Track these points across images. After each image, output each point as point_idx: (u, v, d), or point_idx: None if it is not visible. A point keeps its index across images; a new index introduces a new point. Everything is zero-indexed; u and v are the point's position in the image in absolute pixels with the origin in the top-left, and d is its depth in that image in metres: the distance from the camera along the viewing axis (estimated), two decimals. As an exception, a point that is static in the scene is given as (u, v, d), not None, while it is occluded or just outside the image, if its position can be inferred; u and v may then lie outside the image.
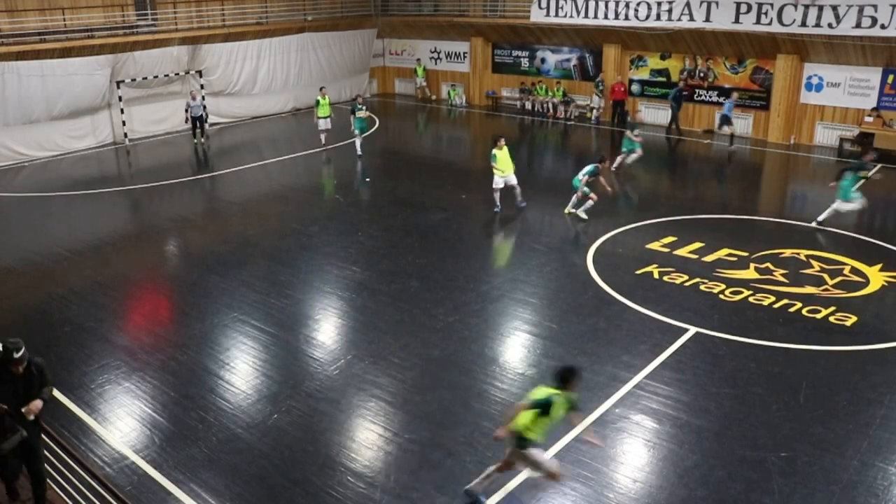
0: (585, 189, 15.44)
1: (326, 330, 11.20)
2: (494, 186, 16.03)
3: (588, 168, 15.61)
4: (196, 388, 9.42)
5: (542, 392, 7.00)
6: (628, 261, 13.31)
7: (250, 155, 22.15)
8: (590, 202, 15.48)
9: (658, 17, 23.41)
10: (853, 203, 14.78)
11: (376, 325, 11.09)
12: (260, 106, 27.37)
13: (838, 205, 14.86)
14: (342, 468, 7.82)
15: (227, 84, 25.97)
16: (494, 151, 15.89)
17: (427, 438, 8.32)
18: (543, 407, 6.86)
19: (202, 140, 23.29)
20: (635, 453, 8.08)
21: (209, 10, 25.81)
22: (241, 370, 9.85)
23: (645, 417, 8.61)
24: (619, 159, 19.38)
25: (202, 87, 24.84)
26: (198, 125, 23.00)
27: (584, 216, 15.47)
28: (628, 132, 19.32)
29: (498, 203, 16.08)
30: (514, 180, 16.10)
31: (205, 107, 23.63)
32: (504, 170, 15.94)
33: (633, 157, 19.21)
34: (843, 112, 21.90)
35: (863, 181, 15.58)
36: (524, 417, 6.96)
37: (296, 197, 18.05)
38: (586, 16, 24.86)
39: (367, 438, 8.39)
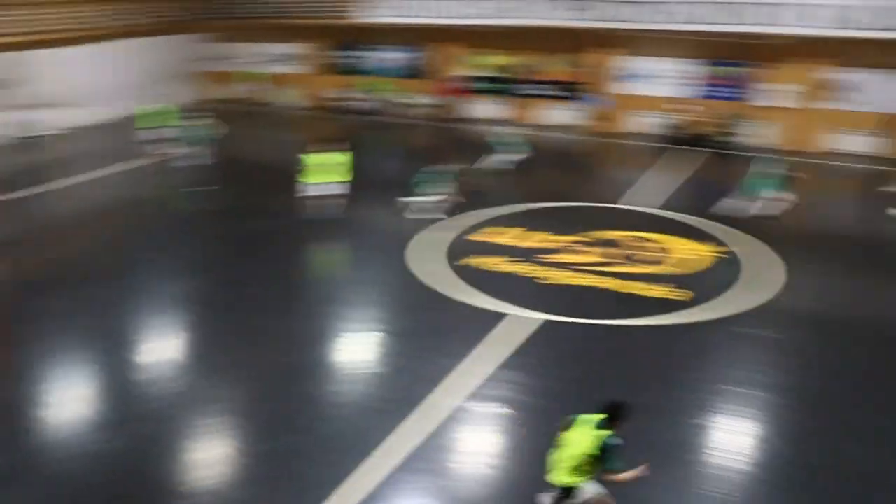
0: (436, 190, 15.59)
1: (160, 348, 10.57)
2: (306, 193, 15.28)
3: (438, 173, 15.73)
4: (10, 423, 8.54)
5: (587, 435, 6.43)
6: (460, 254, 13.65)
7: (67, 169, 20.05)
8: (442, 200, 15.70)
9: (492, 15, 24.26)
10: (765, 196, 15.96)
11: (212, 338, 10.68)
12: (81, 115, 24.84)
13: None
14: (190, 490, 7.47)
15: (44, 94, 23.44)
16: (304, 157, 15.18)
17: (281, 447, 8.13)
18: (608, 453, 6.32)
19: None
20: (490, 441, 8.33)
21: (16, 15, 23.07)
22: (68, 398, 9.08)
23: (496, 405, 8.93)
24: (487, 160, 19.75)
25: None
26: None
27: (432, 214, 15.50)
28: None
29: (318, 208, 15.32)
30: (333, 189, 15.19)
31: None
32: (314, 177, 15.04)
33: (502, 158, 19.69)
34: (664, 101, 24.29)
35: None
36: (579, 467, 6.47)
37: (123, 211, 16.71)
38: (420, 14, 25.29)
39: (217, 455, 8.08)
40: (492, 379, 9.43)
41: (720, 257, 13.65)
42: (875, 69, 21.80)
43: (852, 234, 15.54)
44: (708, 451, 8.27)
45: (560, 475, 6.58)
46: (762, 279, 12.67)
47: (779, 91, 22.91)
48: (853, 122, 22.35)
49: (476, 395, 9.07)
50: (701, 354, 10.31)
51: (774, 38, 21.62)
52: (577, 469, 6.49)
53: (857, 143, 22.45)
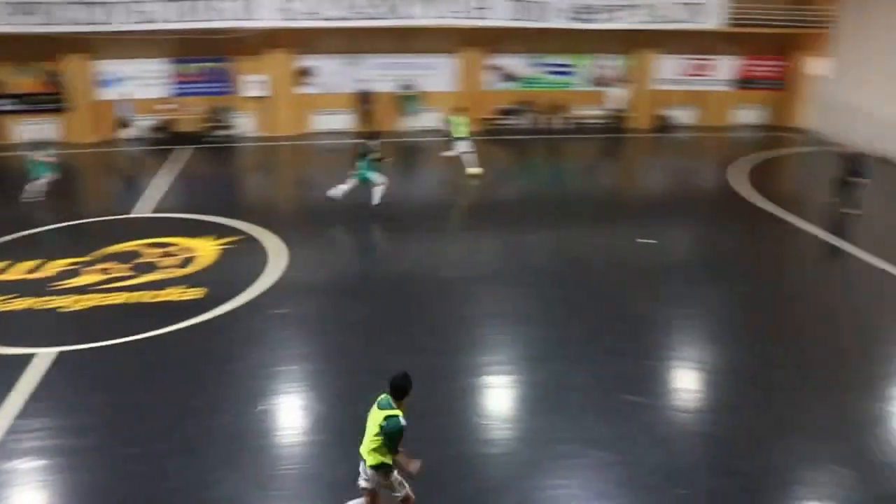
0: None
1: None
2: None
3: None
4: None
5: (379, 413, 6.41)
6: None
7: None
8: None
9: None
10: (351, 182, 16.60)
11: None
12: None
13: (351, 184, 16.62)
14: None
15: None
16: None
17: None
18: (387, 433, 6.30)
19: None
20: (32, 500, 7.83)
21: None
22: None
23: (29, 460, 8.30)
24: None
25: None
26: None
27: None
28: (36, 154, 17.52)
29: None
30: None
31: None
32: None
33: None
34: (146, 103, 23.57)
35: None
36: (375, 445, 6.44)
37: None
38: None
39: None
40: (11, 432, 8.78)
41: (228, 248, 14.41)
42: (334, 55, 24.83)
43: (340, 210, 17.61)
44: (276, 433, 8.82)
45: (368, 456, 6.61)
46: (269, 262, 13.71)
47: (259, 81, 24.51)
48: (326, 103, 25.21)
49: (23, 452, 8.25)
50: (236, 343, 10.69)
51: (248, 31, 22.97)
52: (378, 450, 6.53)
53: (336, 121, 25.37)
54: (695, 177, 23.19)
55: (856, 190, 17.52)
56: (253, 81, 24.39)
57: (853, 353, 11.03)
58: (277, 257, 13.95)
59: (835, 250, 15.68)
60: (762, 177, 21.34)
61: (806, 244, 16.24)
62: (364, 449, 6.66)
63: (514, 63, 26.13)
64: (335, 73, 24.99)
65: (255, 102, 24.66)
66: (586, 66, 26.82)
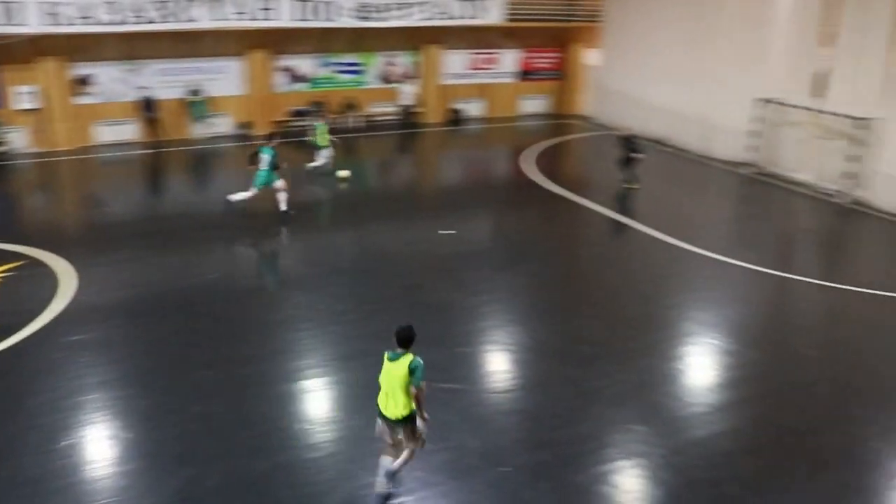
0: None
1: None
2: None
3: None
4: None
5: (399, 363, 7.31)
6: None
7: None
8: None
9: None
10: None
11: None
12: None
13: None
14: None
15: None
16: None
17: None
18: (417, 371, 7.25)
19: None
20: None
21: None
22: None
23: None
24: None
25: None
26: None
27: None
28: None
29: None
30: None
31: None
32: None
33: None
34: None
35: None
36: (403, 398, 7.31)
37: None
38: None
39: None
40: None
41: (9, 275, 13.29)
42: (113, 62, 23.39)
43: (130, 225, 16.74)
44: (83, 469, 8.22)
45: (392, 409, 7.37)
46: (58, 287, 12.82)
47: (30, 92, 22.58)
48: (108, 113, 23.71)
49: None
50: (27, 378, 9.91)
51: (12, 37, 21.07)
52: (403, 399, 7.34)
53: (120, 131, 23.92)
54: (489, 166, 24.25)
55: (634, 167, 19.21)
56: (23, 93, 22.44)
57: (643, 321, 12.10)
58: (67, 281, 13.02)
59: (620, 225, 17.06)
60: (550, 162, 22.70)
61: (594, 222, 17.51)
62: (388, 409, 7.42)
63: (304, 64, 25.93)
64: (115, 81, 23.53)
65: (27, 115, 22.70)
66: (376, 64, 27.15)
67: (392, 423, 7.49)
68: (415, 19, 25.49)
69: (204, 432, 8.75)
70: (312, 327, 11.51)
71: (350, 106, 26.46)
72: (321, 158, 20.32)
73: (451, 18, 26.15)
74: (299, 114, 25.91)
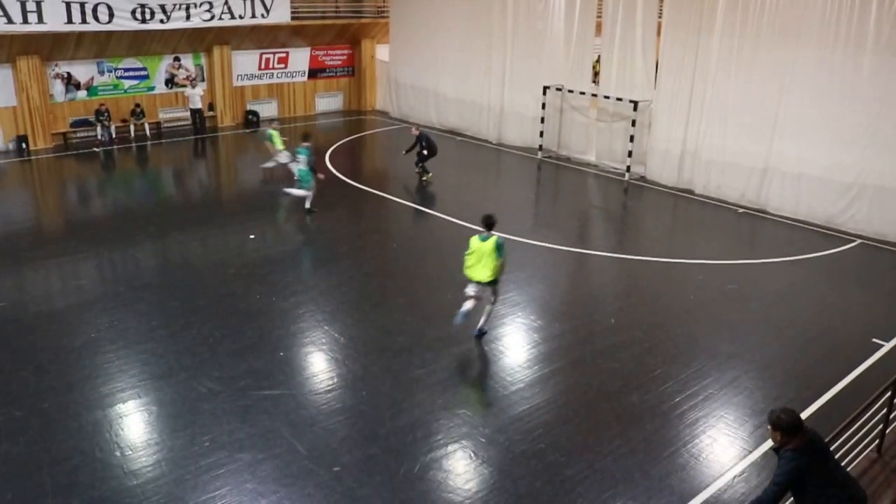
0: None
1: None
2: None
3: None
4: None
5: (488, 243, 10.47)
6: None
7: None
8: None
9: None
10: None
11: None
12: None
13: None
14: None
15: None
16: None
17: None
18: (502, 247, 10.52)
19: None
20: None
21: None
22: None
23: None
24: None
25: None
26: None
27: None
28: None
29: None
30: None
31: None
32: None
33: None
34: None
35: None
36: (492, 265, 10.46)
37: None
38: None
39: None
40: None
41: None
42: None
43: None
44: None
45: (482, 275, 10.56)
46: None
47: None
48: None
49: None
50: None
51: None
52: (492, 266, 10.49)
53: None
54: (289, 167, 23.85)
55: (426, 160, 19.76)
56: None
57: (456, 307, 12.41)
58: None
59: (426, 216, 17.42)
60: (350, 159, 22.75)
61: (401, 215, 17.76)
62: (477, 273, 10.61)
63: (83, 70, 24.13)
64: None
65: None
66: (161, 68, 25.83)
67: (482, 285, 10.70)
68: (197, 20, 24.52)
69: (3, 478, 7.96)
70: (119, 348, 10.82)
71: (136, 113, 24.98)
72: (280, 160, 20.33)
73: (236, 18, 25.43)
74: (82, 124, 24.19)
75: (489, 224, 10.69)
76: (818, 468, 5.75)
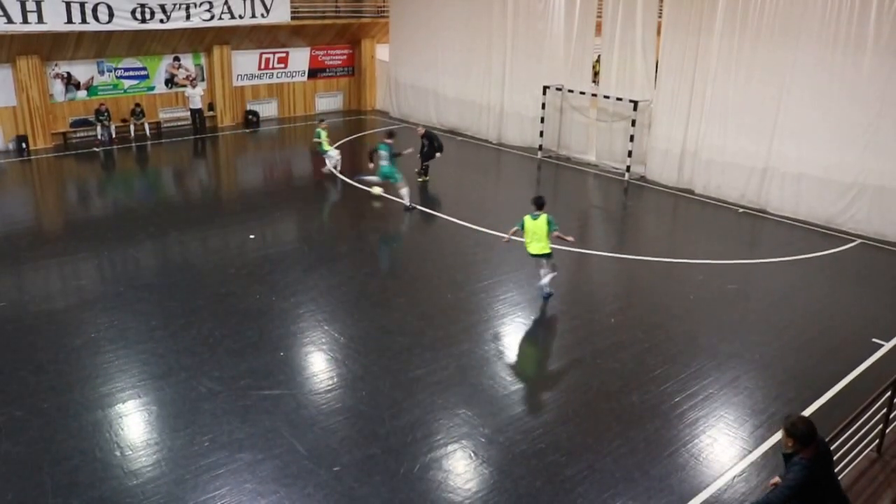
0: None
1: None
2: None
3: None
4: None
5: (540, 220, 12.09)
6: None
7: None
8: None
9: None
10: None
11: None
12: None
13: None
14: None
15: None
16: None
17: None
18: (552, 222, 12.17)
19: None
20: None
21: None
22: None
23: None
24: None
25: None
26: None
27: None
28: None
29: None
30: None
31: None
32: None
33: None
34: None
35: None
36: (546, 240, 12.15)
37: None
38: None
39: None
40: None
41: None
42: None
43: None
44: None
45: (538, 249, 12.22)
46: None
47: None
48: None
49: None
50: None
51: None
52: (545, 241, 12.13)
53: None
54: (289, 167, 23.88)
55: (431, 158, 19.74)
56: None
57: (456, 307, 12.44)
58: None
59: (427, 216, 17.41)
60: (350, 159, 22.71)
61: (402, 215, 17.74)
62: (535, 248, 12.26)
63: (83, 70, 24.13)
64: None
65: None
66: (160, 68, 25.83)
67: (539, 257, 12.40)
68: (197, 20, 24.52)
69: (3, 478, 7.96)
70: (119, 348, 10.82)
71: (137, 113, 24.97)
72: (330, 161, 20.20)
73: (236, 18, 25.43)
74: (82, 124, 24.20)
75: (540, 204, 12.20)
76: (823, 479, 5.79)
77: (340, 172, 20.45)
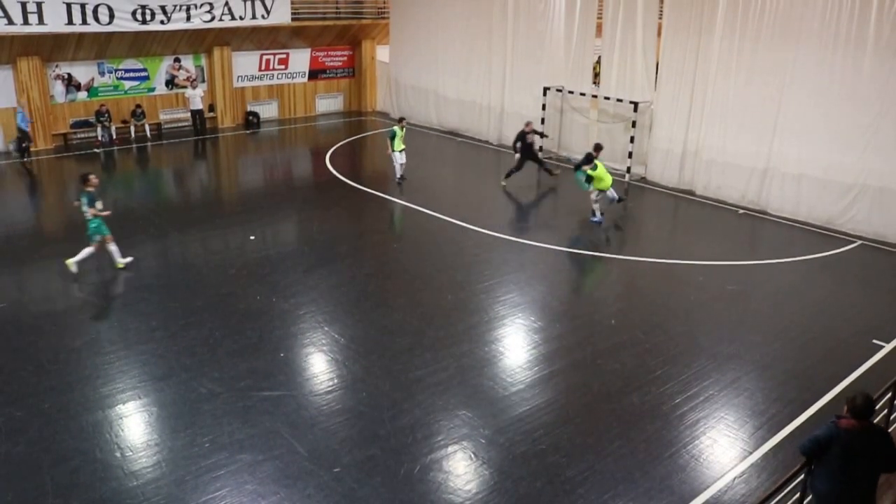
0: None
1: None
2: None
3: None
4: None
5: (601, 164, 16.82)
6: None
7: None
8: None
9: None
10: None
11: None
12: None
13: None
14: None
15: None
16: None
17: None
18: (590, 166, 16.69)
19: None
20: None
21: None
22: None
23: None
24: None
25: None
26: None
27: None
28: None
29: None
30: None
31: None
32: None
33: None
34: None
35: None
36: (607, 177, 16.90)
37: None
38: None
39: None
40: None
41: None
42: None
43: None
44: None
45: (607, 183, 16.63)
46: None
47: None
48: None
49: None
50: None
51: None
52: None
53: None
54: (289, 168, 23.89)
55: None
56: None
57: (457, 307, 12.44)
58: None
59: (428, 217, 17.40)
60: (350, 160, 22.78)
61: (402, 215, 17.75)
62: (606, 183, 16.66)
63: (84, 71, 24.14)
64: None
65: None
66: (161, 69, 25.83)
67: (606, 190, 16.76)
68: (198, 21, 24.53)
69: (4, 478, 7.96)
70: (119, 349, 10.82)
71: (137, 114, 24.98)
72: (397, 163, 19.68)
73: (236, 19, 25.44)
74: (83, 125, 24.21)
75: (598, 149, 17.32)
76: (861, 459, 5.88)
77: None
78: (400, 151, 19.63)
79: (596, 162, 16.66)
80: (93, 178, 13.66)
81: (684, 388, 10.06)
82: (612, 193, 17.17)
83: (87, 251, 13.45)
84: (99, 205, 13.50)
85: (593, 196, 16.78)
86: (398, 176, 19.87)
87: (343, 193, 19.12)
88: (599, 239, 16.79)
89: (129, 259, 14.02)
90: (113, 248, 13.74)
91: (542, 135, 21.54)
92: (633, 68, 20.94)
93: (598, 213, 16.90)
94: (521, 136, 19.93)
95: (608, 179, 16.77)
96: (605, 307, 12.87)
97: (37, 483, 7.89)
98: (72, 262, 13.32)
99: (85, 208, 13.38)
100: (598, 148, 17.25)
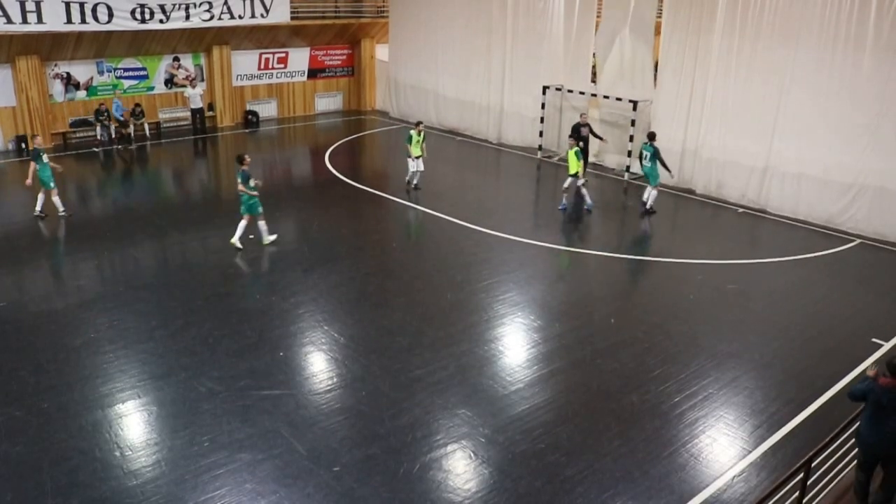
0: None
1: None
2: None
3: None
4: None
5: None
6: None
7: None
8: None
9: None
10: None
11: None
12: None
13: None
14: None
15: None
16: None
17: None
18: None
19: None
20: None
21: None
22: None
23: None
24: None
25: None
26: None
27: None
28: None
29: None
30: None
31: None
32: None
33: None
34: None
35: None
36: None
37: None
38: None
39: None
40: None
41: None
42: None
43: None
44: None
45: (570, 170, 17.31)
46: None
47: None
48: None
49: None
50: None
51: None
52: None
53: None
54: (289, 167, 23.86)
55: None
56: None
57: (456, 307, 12.43)
58: None
59: (427, 216, 17.40)
60: (350, 159, 22.76)
61: (401, 215, 17.74)
62: (571, 171, 17.27)
63: (83, 70, 24.11)
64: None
65: None
66: (160, 68, 25.81)
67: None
68: (197, 20, 24.51)
69: (3, 478, 7.96)
70: (119, 348, 10.82)
71: (136, 113, 24.94)
72: (410, 169, 19.14)
73: (236, 18, 25.42)
74: (82, 124, 24.19)
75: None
76: (871, 407, 6.89)
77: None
78: (416, 158, 18.93)
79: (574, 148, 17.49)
80: (247, 158, 15.02)
81: (683, 387, 10.06)
82: (586, 195, 17.91)
83: (242, 225, 14.85)
84: (252, 182, 14.77)
85: (579, 183, 17.55)
86: (407, 181, 19.35)
87: (342, 193, 19.11)
88: (599, 238, 16.78)
89: (274, 236, 15.12)
90: (262, 225, 15.00)
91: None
92: (632, 67, 20.92)
93: (587, 199, 17.86)
94: (577, 129, 19.94)
95: (574, 166, 17.27)
96: (605, 306, 12.87)
97: (36, 482, 7.89)
98: (235, 240, 14.74)
99: (243, 186, 14.67)
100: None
